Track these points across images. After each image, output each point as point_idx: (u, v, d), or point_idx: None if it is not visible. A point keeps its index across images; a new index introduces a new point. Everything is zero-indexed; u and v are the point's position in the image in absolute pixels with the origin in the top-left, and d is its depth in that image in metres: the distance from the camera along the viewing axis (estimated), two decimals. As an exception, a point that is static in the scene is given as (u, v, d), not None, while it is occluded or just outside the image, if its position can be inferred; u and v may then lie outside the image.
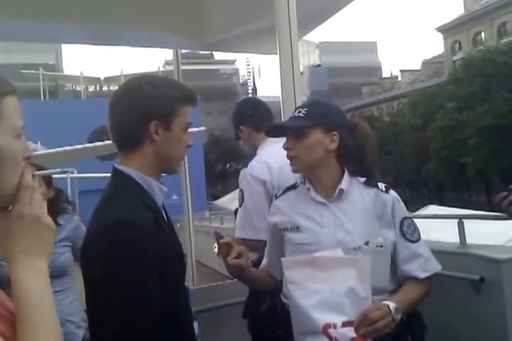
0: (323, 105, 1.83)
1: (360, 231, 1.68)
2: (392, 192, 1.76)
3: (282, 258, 1.67)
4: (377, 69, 79.29)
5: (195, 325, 1.45)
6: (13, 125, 0.87)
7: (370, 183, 1.76)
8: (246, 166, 2.36)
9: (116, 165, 1.35)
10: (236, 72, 72.57)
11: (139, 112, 1.31)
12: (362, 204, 1.72)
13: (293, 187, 1.85)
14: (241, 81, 76.10)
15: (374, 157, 1.82)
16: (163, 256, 1.25)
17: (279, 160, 2.13)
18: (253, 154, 2.46)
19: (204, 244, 4.50)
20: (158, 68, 39.60)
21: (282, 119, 3.00)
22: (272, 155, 2.29)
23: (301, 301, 1.57)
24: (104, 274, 1.19)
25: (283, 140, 2.36)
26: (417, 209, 7.10)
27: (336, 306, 1.53)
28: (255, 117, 2.48)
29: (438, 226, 3.72)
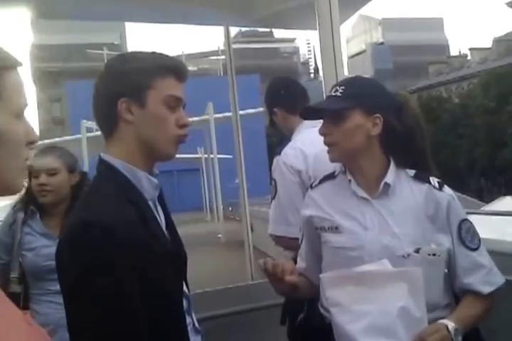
0: (363, 82, 1.56)
1: (409, 235, 1.44)
2: (446, 188, 1.50)
3: (321, 276, 1.46)
4: (444, 48, 76.34)
5: (197, 339, 1.25)
6: (14, 104, 0.78)
7: (421, 177, 1.50)
8: (279, 153, 2.13)
9: (101, 154, 1.18)
10: (296, 50, 71.81)
11: (107, 91, 1.16)
12: (411, 203, 1.47)
13: (331, 176, 1.61)
14: (302, 60, 75.21)
15: (426, 144, 1.55)
16: (148, 262, 1.07)
17: (315, 147, 1.94)
18: (288, 139, 2.23)
19: (262, 231, 4.47)
20: (218, 48, 39.77)
21: None
22: (307, 141, 2.07)
23: (348, 327, 1.36)
24: (72, 286, 1.03)
25: (318, 124, 2.19)
26: (491, 201, 6.76)
27: (387, 330, 1.33)
28: (289, 97, 2.24)
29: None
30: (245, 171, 4.11)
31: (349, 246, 1.47)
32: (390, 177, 1.47)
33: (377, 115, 1.46)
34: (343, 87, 1.49)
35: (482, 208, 11.13)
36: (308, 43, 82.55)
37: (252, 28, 65.68)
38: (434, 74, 59.71)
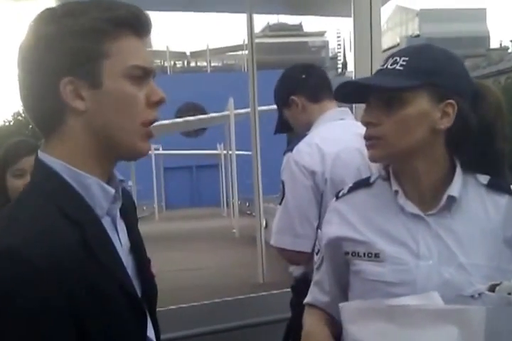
0: (436, 54, 1.10)
1: (481, 266, 1.06)
2: None
3: (341, 305, 1.10)
4: (484, 40, 74.54)
5: None
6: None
7: (499, 186, 1.12)
8: (291, 150, 1.79)
9: (39, 153, 0.86)
10: (325, 44, 71.10)
11: (40, 69, 0.81)
12: (484, 222, 1.09)
13: (366, 183, 1.21)
14: (330, 54, 74.58)
15: (506, 143, 1.16)
16: (88, 308, 0.77)
17: (337, 145, 1.74)
18: (302, 134, 1.87)
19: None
20: (244, 41, 39.93)
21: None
22: (327, 137, 1.78)
23: None
24: None
25: (346, 115, 1.91)
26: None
27: None
28: (312, 82, 1.91)
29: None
30: (264, 168, 4.24)
31: (394, 280, 1.09)
32: (455, 187, 1.09)
33: (451, 101, 1.07)
34: (405, 58, 1.07)
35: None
36: (339, 37, 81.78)
37: (281, 21, 65.45)
38: (470, 68, 58.46)
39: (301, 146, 1.77)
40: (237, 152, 13.34)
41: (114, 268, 0.83)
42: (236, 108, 13.06)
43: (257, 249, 5.98)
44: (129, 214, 0.96)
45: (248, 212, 15.08)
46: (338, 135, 1.79)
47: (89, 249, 0.79)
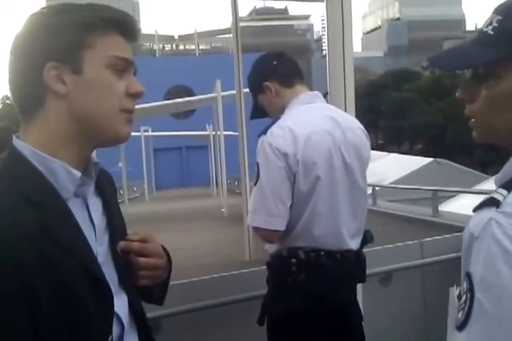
0: None
1: None
2: None
3: None
4: (460, 22, 74.59)
5: None
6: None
7: None
8: (265, 133, 1.83)
9: (13, 140, 0.89)
10: (310, 27, 70.67)
11: (28, 54, 0.86)
12: None
13: None
14: (315, 37, 74.16)
15: None
16: (46, 286, 0.77)
17: (308, 127, 1.77)
18: (276, 118, 1.91)
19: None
20: (231, 25, 39.38)
21: (328, 84, 2.49)
22: (299, 120, 1.82)
23: None
24: None
25: (317, 99, 1.99)
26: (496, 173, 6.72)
27: None
28: (283, 67, 1.97)
29: None
30: (250, 147, 4.11)
31: None
32: None
33: None
34: (499, 18, 0.80)
35: (484, 181, 11.16)
36: (323, 20, 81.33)
37: (267, 5, 64.73)
38: (449, 49, 58.43)
39: (274, 129, 1.80)
40: (225, 132, 13.17)
41: (74, 249, 0.84)
42: (224, 90, 12.85)
43: (243, 227, 5.91)
44: (108, 195, 0.98)
45: (238, 191, 15.02)
46: (309, 118, 1.82)
47: (49, 231, 0.80)
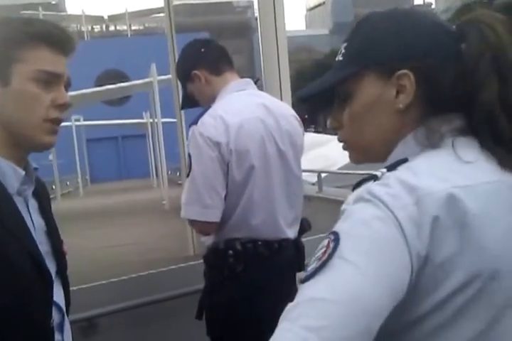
0: (373, 25, 0.87)
1: None
2: None
3: None
4: (407, -3, 76.24)
5: None
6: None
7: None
8: (196, 123, 1.83)
9: None
10: (251, 4, 70.41)
11: None
12: None
13: None
14: (256, 15, 73.86)
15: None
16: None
17: (240, 115, 1.81)
18: (207, 107, 1.93)
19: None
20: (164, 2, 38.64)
21: (263, 72, 2.67)
22: (230, 108, 1.85)
23: None
24: None
25: (248, 86, 2.02)
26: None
27: None
28: (211, 55, 1.99)
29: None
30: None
31: None
32: None
33: (404, 71, 0.82)
34: (345, 44, 0.89)
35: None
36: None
37: (203, -18, 63.88)
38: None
39: (205, 118, 1.82)
40: (164, 120, 13.01)
41: (20, 235, 0.98)
42: (161, 74, 12.65)
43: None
44: (43, 201, 1.13)
45: (179, 182, 14.94)
46: (240, 105, 1.85)
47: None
